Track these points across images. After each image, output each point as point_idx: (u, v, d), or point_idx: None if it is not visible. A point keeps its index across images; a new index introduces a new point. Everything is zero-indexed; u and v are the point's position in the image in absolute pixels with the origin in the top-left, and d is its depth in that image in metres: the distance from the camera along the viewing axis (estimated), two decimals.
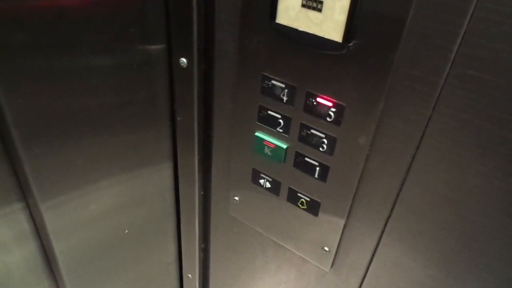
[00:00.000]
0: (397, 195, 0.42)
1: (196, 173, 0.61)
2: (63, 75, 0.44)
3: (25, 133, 0.44)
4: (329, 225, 0.50)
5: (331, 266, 0.53)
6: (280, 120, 0.47)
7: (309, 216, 0.51)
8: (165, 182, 0.66)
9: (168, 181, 0.66)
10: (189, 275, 0.78)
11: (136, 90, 0.52)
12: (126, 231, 0.64)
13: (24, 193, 0.50)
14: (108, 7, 0.44)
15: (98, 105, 0.49)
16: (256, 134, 0.50)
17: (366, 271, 0.50)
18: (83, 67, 0.45)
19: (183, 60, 0.50)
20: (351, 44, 0.37)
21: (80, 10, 0.42)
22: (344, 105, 0.41)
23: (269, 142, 0.49)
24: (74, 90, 0.46)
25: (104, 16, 0.44)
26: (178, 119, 0.56)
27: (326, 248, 0.52)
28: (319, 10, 0.37)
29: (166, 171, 0.64)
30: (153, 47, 0.51)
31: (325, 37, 0.38)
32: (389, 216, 0.44)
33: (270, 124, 0.48)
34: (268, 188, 0.54)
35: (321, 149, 0.45)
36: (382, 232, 0.45)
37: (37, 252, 0.56)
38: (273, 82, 0.45)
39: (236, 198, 0.59)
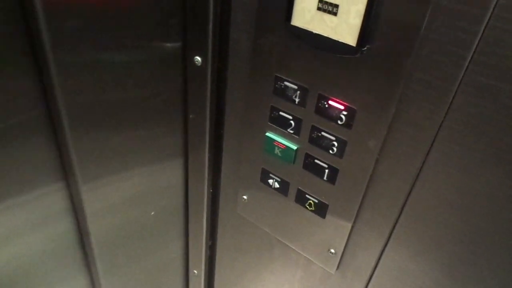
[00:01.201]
0: (405, 200, 0.42)
1: (206, 171, 0.61)
2: (104, 67, 0.47)
3: (74, 117, 0.47)
4: (336, 228, 0.50)
5: (337, 268, 0.54)
6: (291, 121, 0.47)
7: (317, 218, 0.52)
8: (176, 178, 0.66)
9: (179, 178, 0.67)
10: (195, 271, 0.79)
11: (151, 86, 0.53)
12: (152, 212, 0.67)
13: (66, 174, 0.53)
14: (127, 4, 0.45)
15: (121, 99, 0.51)
16: (267, 134, 0.50)
17: (371, 275, 0.50)
18: (111, 62, 0.48)
19: (198, 58, 0.51)
20: (365, 48, 0.37)
21: (101, 7, 0.43)
22: (356, 108, 0.41)
23: (280, 142, 0.49)
24: (108, 82, 0.49)
25: (125, 13, 0.45)
26: (191, 116, 0.57)
27: (332, 250, 0.52)
28: (335, 14, 0.37)
29: (177, 167, 0.65)
30: (169, 44, 0.51)
31: (339, 40, 0.38)
32: (397, 220, 0.44)
33: (281, 125, 0.49)
34: (277, 188, 0.54)
35: (331, 151, 0.45)
36: (389, 236, 0.46)
37: (72, 230, 0.60)
38: (286, 83, 0.45)
39: (245, 197, 0.60)
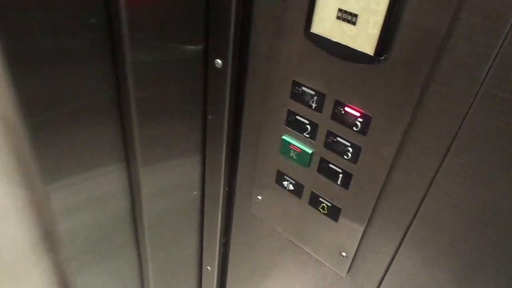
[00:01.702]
0: (418, 208, 0.42)
1: (223, 170, 0.63)
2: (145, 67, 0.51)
3: (142, 107, 0.53)
4: (348, 232, 0.51)
5: (347, 271, 0.54)
6: (308, 126, 0.48)
7: (329, 221, 0.52)
8: (193, 176, 0.68)
9: (196, 175, 0.68)
10: (208, 268, 0.81)
11: (174, 86, 0.55)
12: (195, 192, 0.71)
13: (128, 156, 0.59)
14: (154, 5, 0.47)
15: (149, 96, 0.55)
16: (283, 137, 0.51)
17: (382, 280, 0.51)
18: (141, 62, 0.51)
19: (218, 61, 0.52)
20: (382, 57, 0.38)
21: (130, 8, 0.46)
22: (371, 116, 0.42)
23: (296, 146, 0.50)
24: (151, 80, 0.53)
25: (151, 14, 0.47)
26: (209, 117, 0.59)
27: (344, 254, 0.53)
28: (353, 23, 0.38)
29: (195, 165, 0.67)
30: (192, 47, 0.53)
31: (358, 49, 0.39)
32: (408, 228, 0.44)
33: (297, 128, 0.50)
34: (291, 190, 0.55)
35: (345, 157, 0.46)
36: (400, 243, 0.46)
37: (127, 210, 0.65)
38: (303, 88, 0.46)
39: (259, 197, 0.61)
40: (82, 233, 0.61)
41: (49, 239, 0.62)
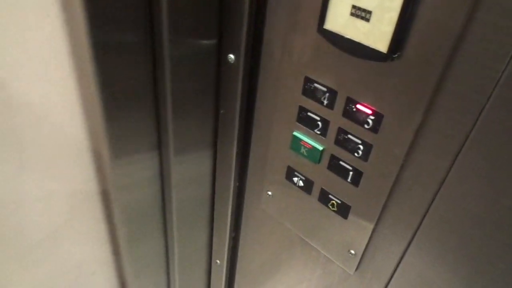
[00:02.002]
0: (428, 208, 0.42)
1: (233, 165, 0.63)
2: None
3: (177, 99, 0.56)
4: (357, 229, 0.51)
5: (356, 269, 0.54)
6: (319, 122, 0.48)
7: (339, 218, 0.52)
8: (204, 170, 0.69)
9: (207, 170, 0.69)
10: (218, 261, 0.82)
11: (186, 80, 0.55)
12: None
13: (160, 145, 0.62)
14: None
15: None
16: (294, 133, 0.52)
17: (390, 278, 0.51)
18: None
19: (231, 56, 0.52)
20: (396, 55, 0.37)
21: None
22: (383, 114, 0.41)
23: (306, 142, 0.50)
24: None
25: (174, 11, 0.48)
26: (221, 112, 0.59)
27: (352, 251, 0.53)
28: (367, 20, 0.38)
29: (206, 159, 0.67)
30: (205, 41, 0.53)
31: (371, 46, 0.39)
32: (418, 227, 0.44)
33: (308, 125, 0.50)
34: (301, 186, 0.55)
35: (356, 154, 0.46)
36: (410, 242, 0.46)
37: (156, 196, 0.69)
38: (315, 85, 0.46)
39: (269, 192, 0.61)
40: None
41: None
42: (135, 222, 0.69)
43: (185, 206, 0.71)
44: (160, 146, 0.62)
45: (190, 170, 0.67)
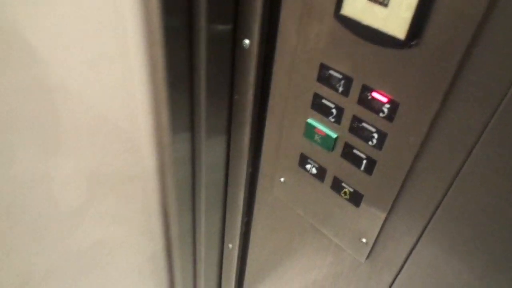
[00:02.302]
0: (442, 199, 0.42)
1: (247, 151, 0.63)
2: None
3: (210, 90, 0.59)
4: (370, 218, 0.51)
5: (367, 258, 0.54)
6: (333, 110, 0.48)
7: (351, 207, 0.52)
8: (217, 156, 0.69)
9: (220, 155, 0.69)
10: (230, 245, 0.83)
11: (202, 65, 0.55)
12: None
13: (194, 128, 0.65)
14: None
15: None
16: (308, 120, 0.51)
17: (401, 268, 0.50)
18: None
19: (246, 41, 0.52)
20: (414, 42, 0.37)
21: None
22: (399, 102, 0.41)
23: (320, 129, 0.50)
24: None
25: None
26: (235, 97, 0.59)
27: (364, 240, 0.53)
28: (385, 6, 0.37)
29: (220, 145, 0.67)
30: (220, 26, 0.53)
31: (388, 33, 0.38)
32: (431, 217, 0.44)
33: (322, 112, 0.49)
34: (314, 174, 0.55)
35: (370, 142, 0.45)
36: (422, 232, 0.45)
37: (187, 178, 0.72)
38: (331, 71, 0.46)
39: (282, 179, 0.61)
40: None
41: None
42: (180, 199, 0.74)
43: (208, 188, 0.74)
44: (193, 127, 0.64)
45: (209, 154, 0.68)
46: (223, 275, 0.93)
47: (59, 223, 0.65)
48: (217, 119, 0.64)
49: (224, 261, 0.89)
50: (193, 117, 0.63)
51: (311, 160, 0.54)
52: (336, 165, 0.51)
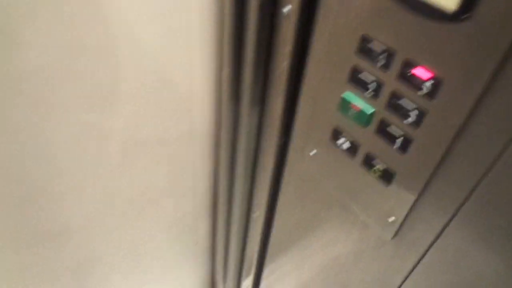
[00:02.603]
0: (477, 184, 0.40)
1: (280, 121, 0.63)
2: None
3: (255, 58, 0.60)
4: (399, 198, 0.50)
5: (392, 237, 0.54)
6: (371, 84, 0.46)
7: (381, 185, 0.51)
8: (250, 125, 0.69)
9: (253, 124, 0.69)
10: (256, 213, 0.84)
11: (240, 32, 0.55)
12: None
13: (238, 95, 0.67)
14: None
15: None
16: (344, 94, 0.50)
17: (426, 251, 0.50)
18: None
19: (286, 8, 0.50)
20: (465, 16, 0.34)
21: None
22: (443, 79, 0.39)
23: (355, 104, 0.49)
24: None
25: None
26: (272, 66, 0.58)
27: (391, 219, 0.52)
28: None
29: (253, 114, 0.67)
30: None
31: (437, 5, 0.36)
32: (463, 202, 0.42)
33: (360, 86, 0.48)
34: (346, 149, 0.54)
35: (407, 120, 0.44)
36: (453, 216, 0.44)
37: (231, 142, 0.76)
38: (372, 44, 0.44)
39: (313, 152, 0.61)
40: None
41: None
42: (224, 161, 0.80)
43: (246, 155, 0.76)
44: (238, 95, 0.67)
45: (249, 121, 0.70)
46: (247, 242, 0.95)
47: (106, 173, 0.69)
48: (256, 88, 0.64)
49: (250, 228, 0.90)
50: (238, 84, 0.64)
51: (344, 135, 0.53)
52: (369, 141, 0.50)
